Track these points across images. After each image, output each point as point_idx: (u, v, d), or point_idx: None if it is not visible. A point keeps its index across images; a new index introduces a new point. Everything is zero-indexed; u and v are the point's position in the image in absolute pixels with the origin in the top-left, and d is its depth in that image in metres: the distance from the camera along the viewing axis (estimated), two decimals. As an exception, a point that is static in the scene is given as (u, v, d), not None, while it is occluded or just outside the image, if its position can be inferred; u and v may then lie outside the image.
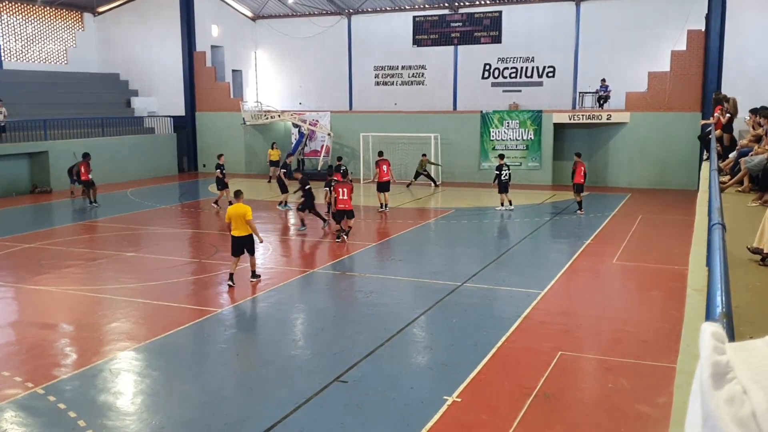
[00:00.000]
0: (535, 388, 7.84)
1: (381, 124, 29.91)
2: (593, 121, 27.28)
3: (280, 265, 14.53)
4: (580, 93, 29.48)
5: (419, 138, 28.07)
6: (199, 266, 14.48)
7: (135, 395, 7.87)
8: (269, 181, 28.49)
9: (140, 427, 7.01)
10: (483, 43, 29.96)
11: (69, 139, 27.47)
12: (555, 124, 27.77)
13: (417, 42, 30.89)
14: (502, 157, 21.77)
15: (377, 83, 33.38)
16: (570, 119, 27.60)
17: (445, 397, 7.55)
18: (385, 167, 21.93)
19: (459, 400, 7.54)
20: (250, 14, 35.53)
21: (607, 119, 27.06)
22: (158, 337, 9.73)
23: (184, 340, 9.83)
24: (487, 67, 31.24)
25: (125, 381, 8.33)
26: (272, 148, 29.72)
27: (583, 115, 27.48)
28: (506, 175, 21.16)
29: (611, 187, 27.08)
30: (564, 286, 12.73)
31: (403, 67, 32.68)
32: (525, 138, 28.45)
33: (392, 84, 33.10)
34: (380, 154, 23.69)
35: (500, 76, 31.14)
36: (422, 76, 32.46)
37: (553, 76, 30.30)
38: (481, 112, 29.02)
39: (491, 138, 28.92)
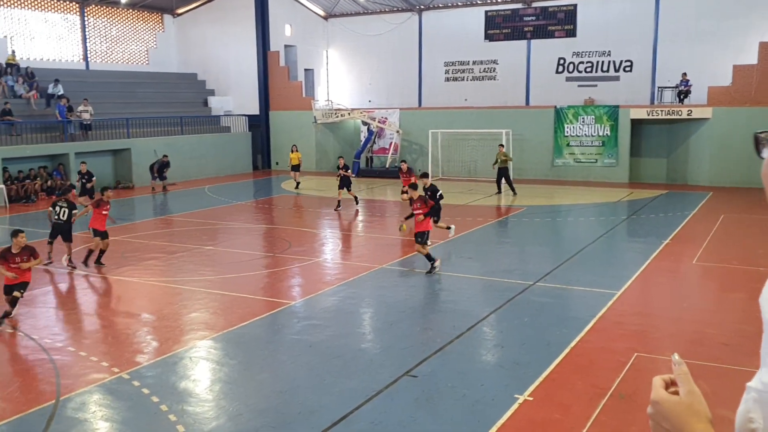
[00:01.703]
0: (610, 389, 7.66)
1: (451, 121, 29.80)
2: (673, 116, 26.35)
3: (349, 260, 14.71)
4: (659, 87, 28.52)
5: (490, 134, 27.79)
6: (273, 260, 14.84)
7: (213, 382, 8.15)
8: (297, 187, 26.40)
9: (218, 413, 7.26)
10: (557, 37, 29.38)
11: (150, 137, 28.61)
12: (632, 120, 26.98)
13: (489, 37, 30.58)
14: (426, 175, 16.09)
15: (447, 79, 33.25)
16: (648, 115, 26.74)
17: (516, 395, 7.48)
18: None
19: (531, 398, 7.46)
20: (322, 13, 36.04)
21: (688, 115, 26.07)
22: (235, 327, 10.04)
23: (259, 331, 10.11)
24: (562, 62, 30.62)
25: (204, 369, 8.64)
26: (293, 151, 27.20)
27: (662, 111, 26.58)
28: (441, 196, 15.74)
29: (691, 186, 26.10)
30: (641, 287, 12.37)
31: (474, 63, 32.44)
32: (601, 134, 27.76)
33: (463, 80, 32.90)
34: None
35: (575, 70, 30.47)
36: (494, 71, 32.13)
37: (631, 71, 29.41)
38: (555, 107, 28.48)
39: (565, 134, 28.35)
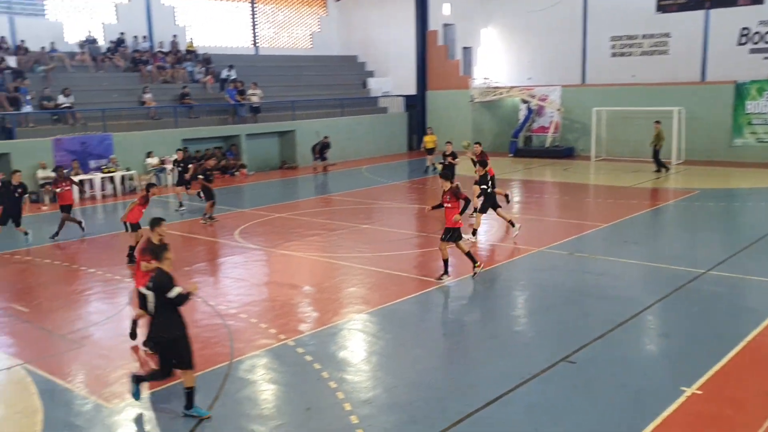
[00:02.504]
0: (794, 390, 6.96)
1: (616, 98, 28.28)
2: None
3: (505, 242, 14.50)
4: None
5: (660, 112, 26.01)
6: (425, 239, 15.00)
7: (370, 354, 8.43)
8: (426, 171, 25.76)
9: (374, 384, 7.51)
10: (740, 5, 26.78)
11: (313, 119, 29.87)
12: (828, 95, 24.04)
13: (661, 8, 28.56)
14: (484, 164, 14.56)
15: (613, 54, 31.44)
16: None
17: (682, 388, 7.03)
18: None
19: (700, 392, 6.97)
20: (481, -9, 35.43)
21: None
22: (390, 303, 10.29)
23: (413, 308, 10.29)
24: (745, 32, 27.77)
25: (361, 341, 8.96)
26: (427, 134, 26.82)
27: None
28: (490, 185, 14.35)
29: None
30: (834, 280, 11.08)
31: (644, 36, 30.35)
32: (788, 111, 25.05)
33: (630, 55, 30.96)
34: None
35: (761, 41, 27.55)
36: (665, 45, 29.89)
37: (830, 39, 26.09)
38: (736, 82, 26.07)
39: (746, 111, 25.90)
